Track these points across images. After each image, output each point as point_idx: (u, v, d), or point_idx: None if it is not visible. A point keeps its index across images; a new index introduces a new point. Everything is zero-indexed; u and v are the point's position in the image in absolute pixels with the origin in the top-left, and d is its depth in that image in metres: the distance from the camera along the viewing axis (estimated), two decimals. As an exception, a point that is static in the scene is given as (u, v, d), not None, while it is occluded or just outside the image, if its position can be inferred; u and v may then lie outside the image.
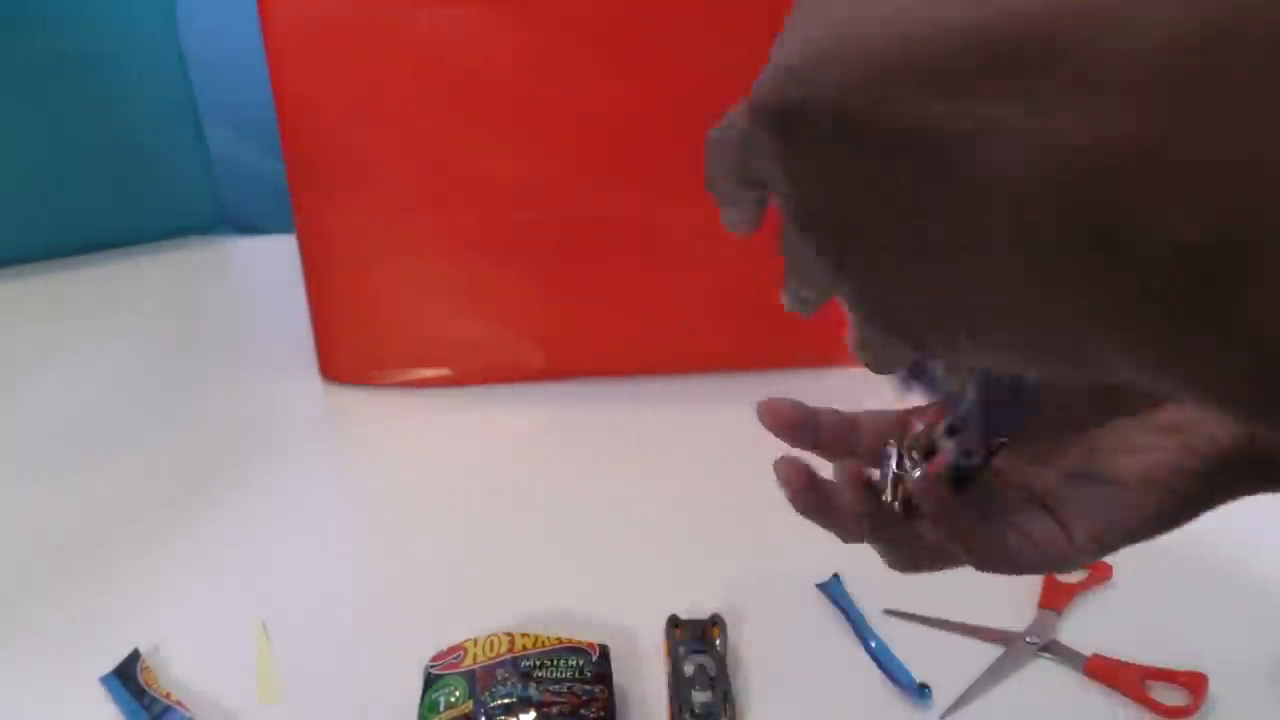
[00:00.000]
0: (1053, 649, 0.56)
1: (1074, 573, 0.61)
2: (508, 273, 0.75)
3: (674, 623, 0.56)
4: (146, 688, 0.54)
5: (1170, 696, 0.53)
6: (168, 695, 0.53)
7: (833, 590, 0.59)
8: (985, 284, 0.19)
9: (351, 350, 0.79)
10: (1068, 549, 0.34)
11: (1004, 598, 0.59)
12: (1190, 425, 0.35)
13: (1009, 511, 0.35)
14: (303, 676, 0.56)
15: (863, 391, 0.38)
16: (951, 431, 0.32)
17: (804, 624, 0.58)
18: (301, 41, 0.67)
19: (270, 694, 0.55)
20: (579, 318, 0.77)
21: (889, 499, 0.33)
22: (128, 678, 0.54)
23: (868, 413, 0.36)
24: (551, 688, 0.51)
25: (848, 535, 0.34)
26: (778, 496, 0.33)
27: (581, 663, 0.53)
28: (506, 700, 0.50)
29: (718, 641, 0.55)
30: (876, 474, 0.34)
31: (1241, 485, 0.36)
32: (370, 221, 0.73)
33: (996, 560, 0.34)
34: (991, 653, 0.56)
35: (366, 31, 0.67)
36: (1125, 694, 0.54)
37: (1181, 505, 0.35)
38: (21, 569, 0.63)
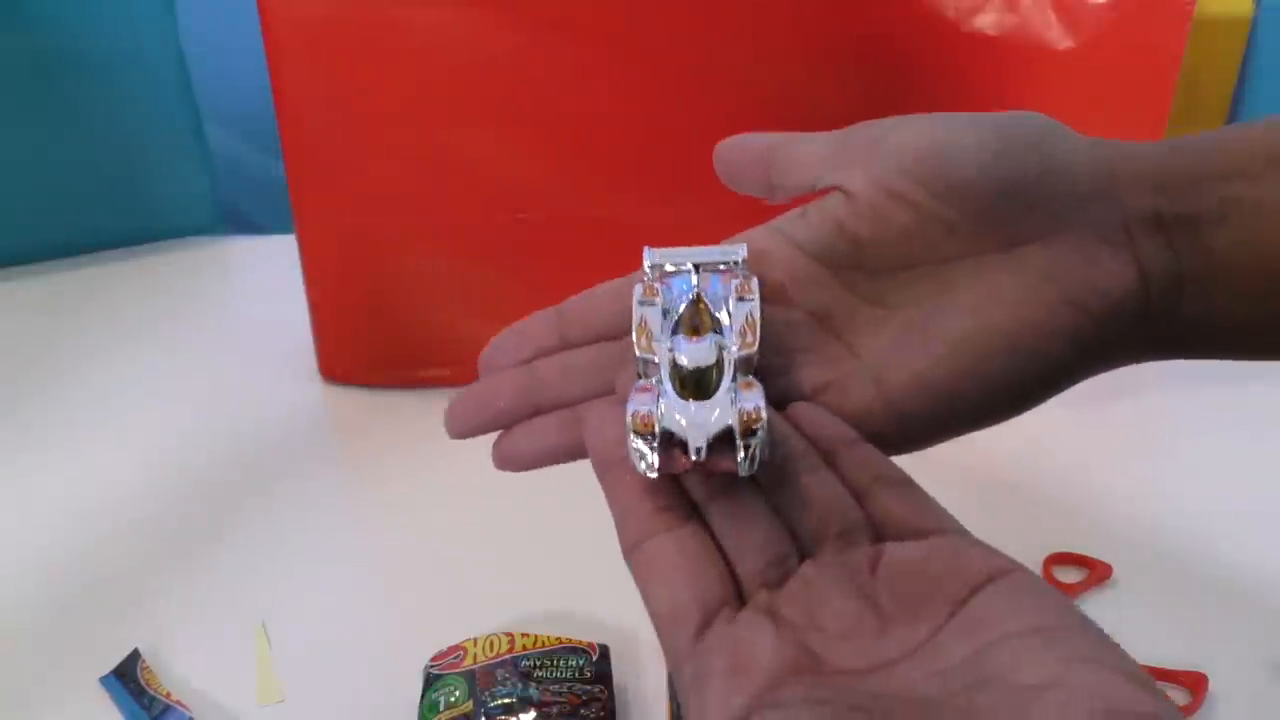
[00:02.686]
0: (1053, 649, 0.56)
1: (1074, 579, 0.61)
2: (508, 273, 0.75)
3: (674, 623, 0.56)
4: (146, 688, 0.54)
5: (1170, 696, 0.53)
6: (168, 695, 0.53)
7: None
8: None
9: (351, 350, 0.79)
10: (841, 400, 0.32)
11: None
12: (1072, 273, 0.32)
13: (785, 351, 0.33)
14: (303, 676, 0.56)
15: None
16: None
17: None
18: (301, 41, 0.67)
19: (270, 694, 0.55)
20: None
21: None
22: (128, 678, 0.54)
23: None
24: (551, 688, 0.51)
25: None
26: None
27: (581, 663, 0.53)
28: (506, 700, 0.50)
29: (718, 641, 0.55)
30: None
31: (1124, 352, 0.33)
32: (370, 221, 0.73)
33: None
34: (991, 653, 0.56)
35: (366, 31, 0.67)
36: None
37: (1037, 371, 0.32)
38: (21, 568, 0.63)
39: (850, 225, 0.33)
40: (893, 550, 0.29)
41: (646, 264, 0.35)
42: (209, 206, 0.97)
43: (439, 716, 0.50)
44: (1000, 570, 0.27)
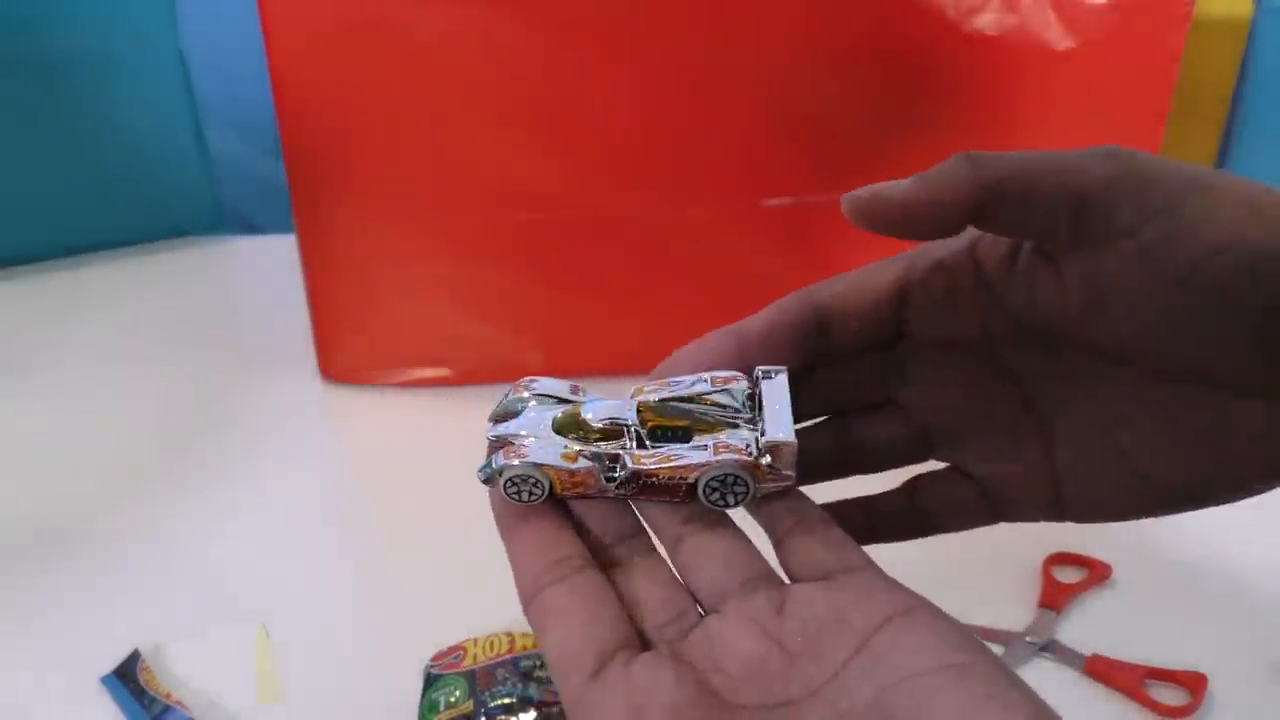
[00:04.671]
0: (1052, 649, 0.56)
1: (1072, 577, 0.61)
2: (508, 273, 0.75)
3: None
4: (146, 688, 0.54)
5: (1170, 696, 0.53)
6: (168, 695, 0.53)
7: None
8: None
9: (351, 350, 0.79)
10: (1043, 496, 0.32)
11: (1003, 597, 0.59)
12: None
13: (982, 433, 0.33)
14: (303, 676, 0.56)
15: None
16: None
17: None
18: (301, 41, 0.67)
19: (270, 694, 0.55)
20: (579, 318, 0.77)
21: None
22: (128, 678, 0.54)
23: None
24: (552, 687, 0.51)
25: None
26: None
27: (581, 663, 0.53)
28: (506, 700, 0.50)
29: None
30: None
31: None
32: (370, 221, 0.73)
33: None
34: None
35: (367, 31, 0.67)
36: (1125, 694, 0.54)
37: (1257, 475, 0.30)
38: (21, 568, 0.63)
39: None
40: (798, 591, 0.29)
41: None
42: (209, 206, 0.97)
43: (439, 716, 0.50)
44: (906, 607, 0.27)
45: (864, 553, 0.30)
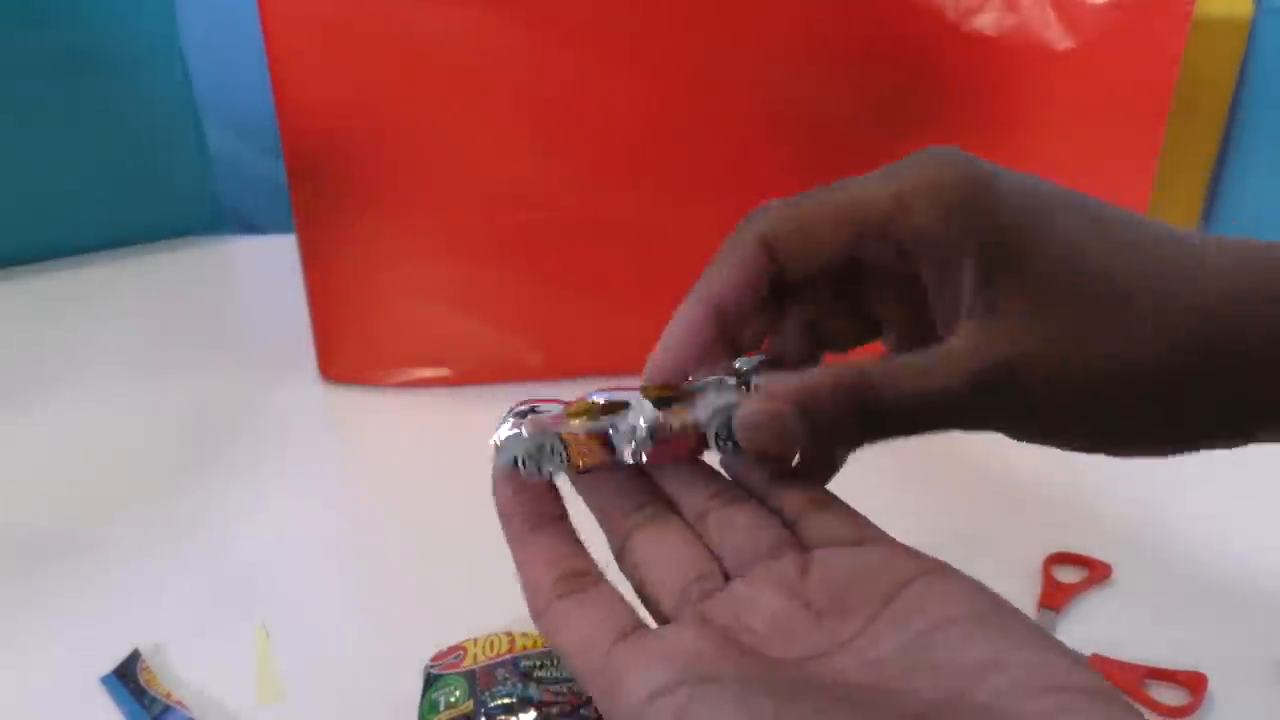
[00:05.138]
0: (1052, 649, 0.56)
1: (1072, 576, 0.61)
2: (508, 273, 0.75)
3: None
4: (146, 688, 0.54)
5: (1170, 696, 0.53)
6: (168, 695, 0.53)
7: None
8: None
9: (351, 350, 0.79)
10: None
11: (1003, 597, 0.59)
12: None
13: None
14: (303, 676, 0.56)
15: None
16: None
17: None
18: (301, 41, 0.67)
19: (270, 694, 0.55)
20: (579, 318, 0.77)
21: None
22: (128, 678, 0.54)
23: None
24: (552, 688, 0.51)
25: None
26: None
27: (581, 663, 0.53)
28: (506, 700, 0.50)
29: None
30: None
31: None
32: (370, 221, 0.73)
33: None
34: (991, 653, 0.56)
35: (367, 31, 0.67)
36: (1125, 694, 0.54)
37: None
38: (21, 569, 0.63)
39: None
40: (822, 555, 0.29)
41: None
42: (209, 206, 0.97)
43: (439, 716, 0.50)
44: (930, 567, 0.27)
45: (880, 528, 0.30)
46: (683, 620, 0.28)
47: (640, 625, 0.28)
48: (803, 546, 0.30)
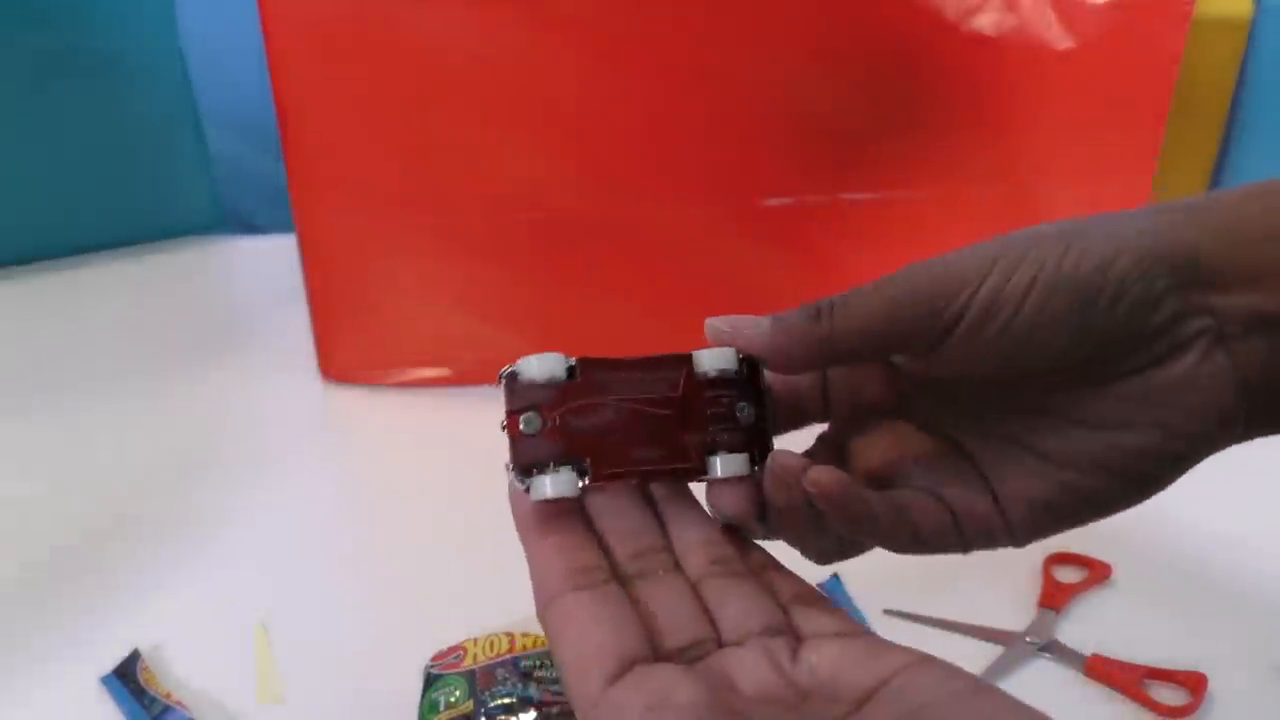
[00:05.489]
0: (1052, 649, 0.56)
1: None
2: (508, 273, 0.75)
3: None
4: (146, 688, 0.54)
5: (1170, 696, 0.53)
6: (168, 695, 0.53)
7: (832, 590, 0.59)
8: None
9: (351, 350, 0.79)
10: (997, 523, 0.32)
11: (1004, 597, 0.59)
12: (1176, 395, 0.31)
13: (927, 474, 0.33)
14: (303, 676, 0.56)
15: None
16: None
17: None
18: (301, 41, 0.67)
19: (270, 694, 0.55)
20: (579, 318, 0.77)
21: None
22: (128, 678, 0.54)
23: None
24: (552, 688, 0.51)
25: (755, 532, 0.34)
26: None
27: (581, 663, 0.53)
28: (506, 700, 0.50)
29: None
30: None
31: (1249, 434, 0.33)
32: (370, 221, 0.73)
33: (904, 541, 0.32)
34: (991, 652, 0.56)
35: (367, 31, 0.67)
36: (1125, 694, 0.54)
37: (1148, 485, 0.32)
38: (21, 569, 0.63)
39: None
40: (814, 643, 0.29)
41: None
42: (209, 206, 0.97)
43: (439, 716, 0.50)
44: (921, 658, 0.28)
45: (866, 627, 0.31)
46: (678, 668, 0.28)
47: (644, 653, 0.28)
48: (796, 635, 0.30)
